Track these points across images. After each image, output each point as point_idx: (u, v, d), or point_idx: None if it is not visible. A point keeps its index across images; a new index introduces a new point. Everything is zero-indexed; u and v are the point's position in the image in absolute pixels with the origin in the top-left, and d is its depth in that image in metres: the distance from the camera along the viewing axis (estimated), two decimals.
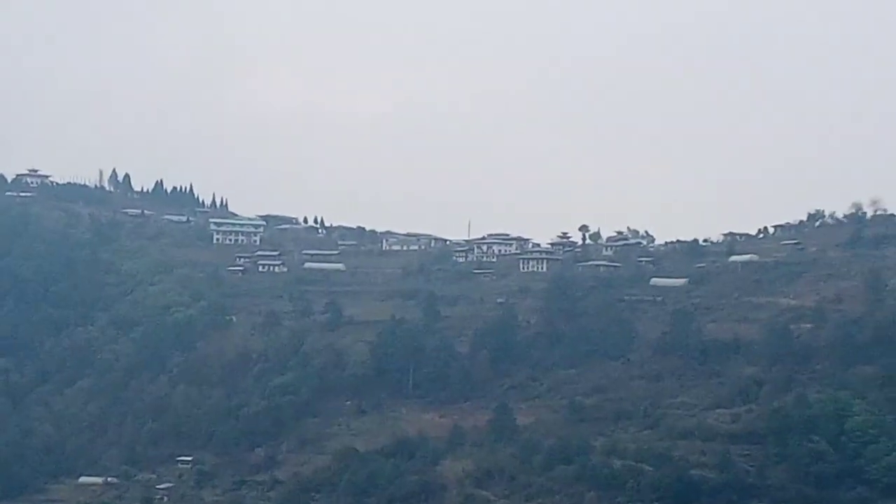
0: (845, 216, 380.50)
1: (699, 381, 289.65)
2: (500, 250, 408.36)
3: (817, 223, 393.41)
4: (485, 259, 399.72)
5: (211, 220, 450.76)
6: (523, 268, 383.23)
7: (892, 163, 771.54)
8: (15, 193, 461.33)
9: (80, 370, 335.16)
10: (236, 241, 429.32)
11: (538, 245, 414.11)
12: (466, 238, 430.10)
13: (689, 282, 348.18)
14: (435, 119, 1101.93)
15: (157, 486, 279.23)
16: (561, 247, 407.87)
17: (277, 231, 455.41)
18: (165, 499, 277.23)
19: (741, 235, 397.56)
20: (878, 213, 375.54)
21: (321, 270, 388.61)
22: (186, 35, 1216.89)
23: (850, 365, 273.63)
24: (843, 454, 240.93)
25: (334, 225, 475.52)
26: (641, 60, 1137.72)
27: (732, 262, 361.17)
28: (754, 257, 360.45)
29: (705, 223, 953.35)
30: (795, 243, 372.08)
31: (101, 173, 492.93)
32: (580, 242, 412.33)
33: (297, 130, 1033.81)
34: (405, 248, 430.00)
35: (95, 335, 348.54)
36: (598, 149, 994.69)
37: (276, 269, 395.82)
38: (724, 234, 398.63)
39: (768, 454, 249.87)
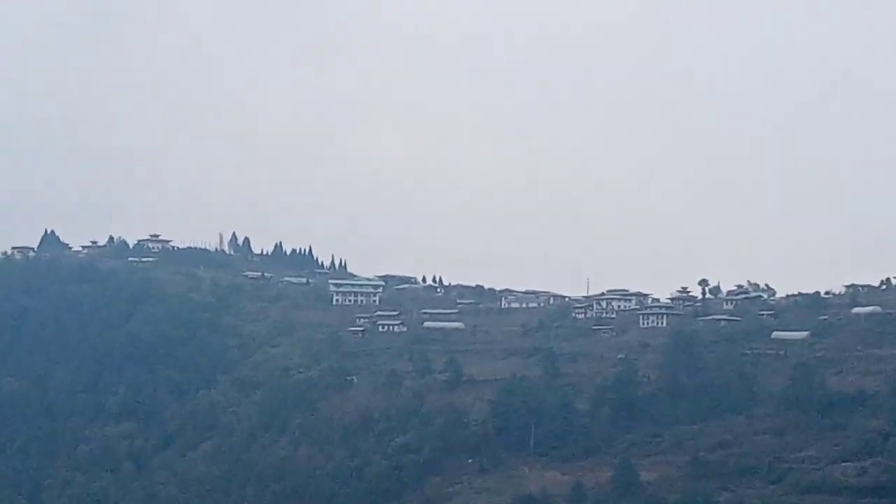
0: None
1: (823, 434, 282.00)
2: (619, 306, 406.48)
3: None
4: (604, 315, 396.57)
5: (330, 280, 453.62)
6: (643, 323, 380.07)
7: None
8: (137, 259, 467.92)
9: (202, 433, 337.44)
10: (355, 301, 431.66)
11: (658, 300, 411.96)
12: (586, 294, 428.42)
13: (811, 335, 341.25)
14: (549, 174, 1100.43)
15: None
16: (681, 301, 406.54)
17: (396, 291, 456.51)
18: None
19: (864, 287, 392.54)
20: None
21: (440, 329, 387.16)
22: (298, 96, 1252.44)
23: None
24: None
25: (453, 284, 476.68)
26: (755, 111, 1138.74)
27: (855, 314, 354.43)
28: (877, 309, 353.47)
29: (827, 276, 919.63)
30: None
31: (220, 237, 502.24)
32: (700, 297, 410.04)
33: (413, 188, 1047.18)
34: (524, 305, 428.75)
35: (217, 398, 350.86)
36: (718, 201, 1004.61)
37: (396, 328, 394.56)
38: (847, 286, 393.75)
39: None
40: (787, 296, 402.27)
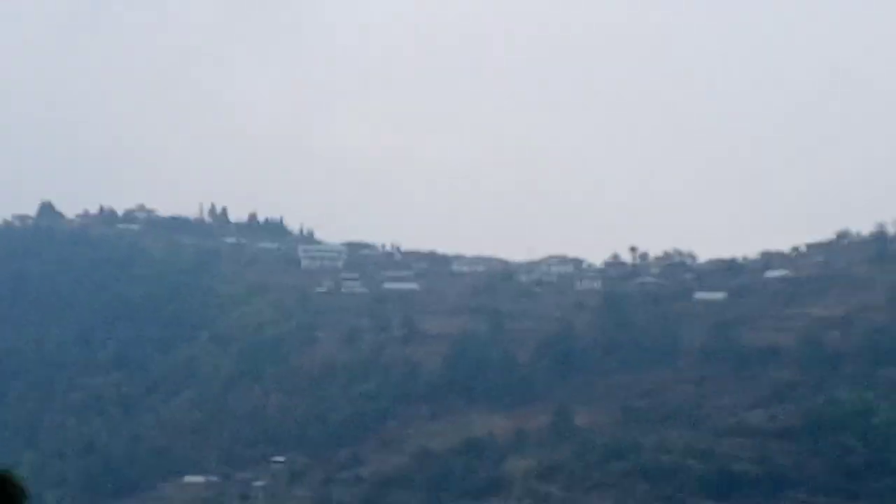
0: (870, 234, 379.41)
1: (739, 384, 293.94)
2: (558, 270, 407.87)
3: (845, 241, 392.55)
4: (545, 279, 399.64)
5: (299, 246, 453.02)
6: (579, 286, 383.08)
7: None
8: (125, 226, 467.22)
9: (184, 382, 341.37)
10: (321, 265, 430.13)
11: (592, 265, 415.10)
12: (528, 260, 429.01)
13: (728, 296, 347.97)
14: (499, 157, 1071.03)
15: (254, 484, 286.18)
16: (613, 266, 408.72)
17: (358, 256, 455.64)
18: (261, 495, 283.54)
19: (776, 253, 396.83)
20: None
21: (397, 290, 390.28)
22: (278, 78, 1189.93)
23: (875, 368, 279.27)
24: (870, 448, 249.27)
25: (409, 250, 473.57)
26: (676, 78, 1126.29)
27: (768, 277, 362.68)
28: (788, 273, 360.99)
29: (743, 242, 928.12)
30: (825, 260, 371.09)
31: (201, 207, 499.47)
32: (630, 262, 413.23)
33: (376, 165, 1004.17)
34: (473, 269, 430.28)
35: (197, 351, 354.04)
36: (647, 173, 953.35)
37: (358, 289, 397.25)
38: (761, 253, 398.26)
39: (803, 449, 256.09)
40: (708, 261, 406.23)
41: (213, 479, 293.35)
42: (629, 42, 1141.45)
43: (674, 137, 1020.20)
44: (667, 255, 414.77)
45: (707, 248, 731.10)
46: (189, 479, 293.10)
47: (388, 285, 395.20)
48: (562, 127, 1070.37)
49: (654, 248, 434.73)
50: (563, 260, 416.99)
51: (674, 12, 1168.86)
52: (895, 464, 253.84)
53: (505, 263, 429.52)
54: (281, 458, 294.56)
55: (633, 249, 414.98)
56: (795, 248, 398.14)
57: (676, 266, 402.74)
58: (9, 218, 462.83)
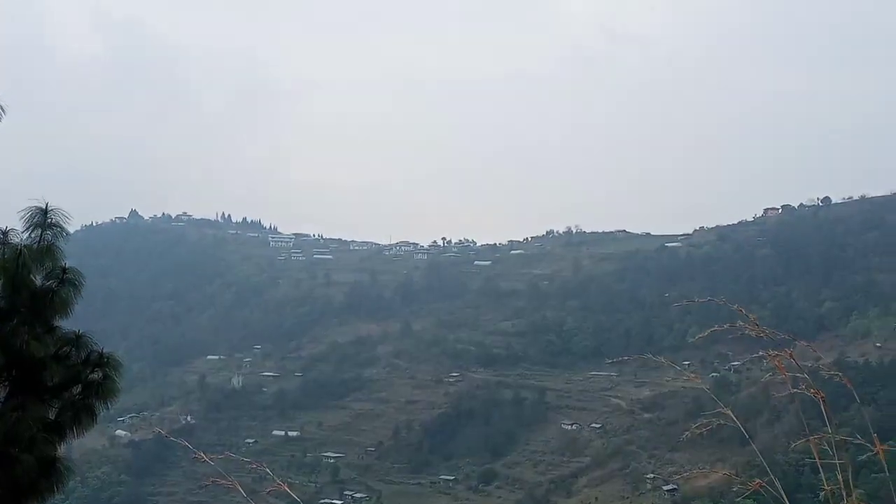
0: (565, 231, 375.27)
1: (497, 308, 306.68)
2: (404, 249, 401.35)
3: (552, 234, 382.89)
4: (397, 255, 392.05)
5: (269, 236, 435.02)
6: (417, 257, 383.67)
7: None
8: (175, 224, 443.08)
9: (208, 305, 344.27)
10: (280, 245, 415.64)
11: (422, 246, 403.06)
12: (389, 243, 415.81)
13: (492, 263, 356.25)
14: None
15: (244, 360, 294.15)
16: (435, 247, 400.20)
17: (301, 241, 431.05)
18: (248, 366, 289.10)
19: (517, 241, 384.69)
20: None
21: (322, 259, 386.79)
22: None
23: (566, 300, 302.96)
24: (564, 338, 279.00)
25: (329, 237, 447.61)
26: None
27: (513, 253, 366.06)
28: (523, 251, 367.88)
29: (507, 232, 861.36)
30: (541, 245, 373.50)
31: (217, 212, 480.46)
32: (443, 244, 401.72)
33: (316, 188, 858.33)
34: (361, 248, 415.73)
35: (215, 290, 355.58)
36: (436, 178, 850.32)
37: (301, 258, 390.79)
38: (509, 240, 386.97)
39: (527, 342, 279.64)
40: (484, 244, 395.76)
41: (223, 357, 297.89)
42: None
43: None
44: (462, 241, 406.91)
45: (485, 236, 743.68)
46: (210, 357, 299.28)
47: (316, 256, 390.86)
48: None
49: (457, 236, 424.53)
50: (407, 243, 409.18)
51: None
52: (578, 348, 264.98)
53: (378, 245, 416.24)
54: (259, 347, 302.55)
55: (444, 238, 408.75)
56: (527, 238, 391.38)
57: (465, 245, 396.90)
58: (124, 216, 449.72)
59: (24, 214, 9.79)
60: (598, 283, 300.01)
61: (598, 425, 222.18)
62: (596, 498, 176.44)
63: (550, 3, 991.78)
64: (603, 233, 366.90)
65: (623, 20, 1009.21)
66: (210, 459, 8.05)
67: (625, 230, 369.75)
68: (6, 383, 9.68)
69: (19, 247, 9.50)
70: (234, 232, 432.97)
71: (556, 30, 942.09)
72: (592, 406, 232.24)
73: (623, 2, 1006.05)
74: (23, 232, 9.70)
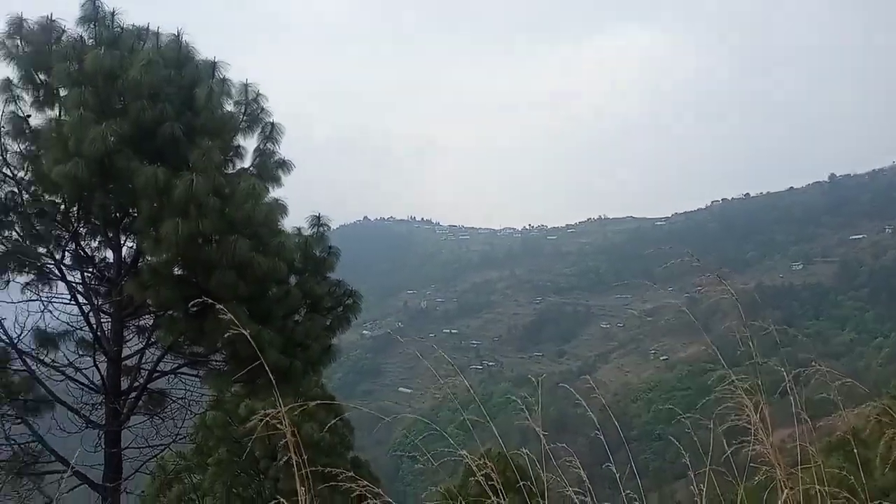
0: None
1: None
2: (508, 231, 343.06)
3: None
4: (504, 235, 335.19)
5: (435, 227, 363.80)
6: (515, 237, 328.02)
7: None
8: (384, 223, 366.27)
9: (420, 264, 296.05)
10: (441, 232, 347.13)
11: (517, 228, 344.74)
12: (500, 227, 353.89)
13: (557, 238, 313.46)
14: None
15: (426, 292, 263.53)
16: (526, 229, 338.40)
17: (452, 228, 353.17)
18: (428, 295, 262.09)
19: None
20: None
21: (465, 239, 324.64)
22: None
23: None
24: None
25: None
26: None
27: (567, 232, 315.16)
28: None
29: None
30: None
31: (407, 215, 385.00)
32: (530, 227, 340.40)
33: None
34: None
35: (409, 258, 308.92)
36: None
37: (451, 238, 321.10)
38: (566, 224, 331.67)
39: None
40: (557, 227, 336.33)
41: (416, 291, 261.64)
42: None
43: None
44: (541, 225, 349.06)
45: (553, 220, 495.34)
46: (408, 291, 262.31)
47: (461, 237, 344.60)
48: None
49: (538, 221, 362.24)
50: (510, 228, 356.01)
51: None
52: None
53: (492, 229, 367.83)
54: (433, 285, 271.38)
55: (530, 224, 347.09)
56: (578, 221, 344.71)
57: (542, 227, 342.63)
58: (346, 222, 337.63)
59: (309, 218, 9.71)
60: (616, 247, 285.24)
61: (621, 325, 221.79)
62: (622, 364, 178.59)
63: None
64: (622, 218, 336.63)
65: None
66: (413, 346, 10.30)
67: (632, 216, 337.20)
68: (305, 308, 9.41)
69: (306, 235, 9.41)
70: (416, 226, 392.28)
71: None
72: (617, 314, 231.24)
73: None
74: (308, 227, 9.62)
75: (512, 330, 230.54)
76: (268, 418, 2.60)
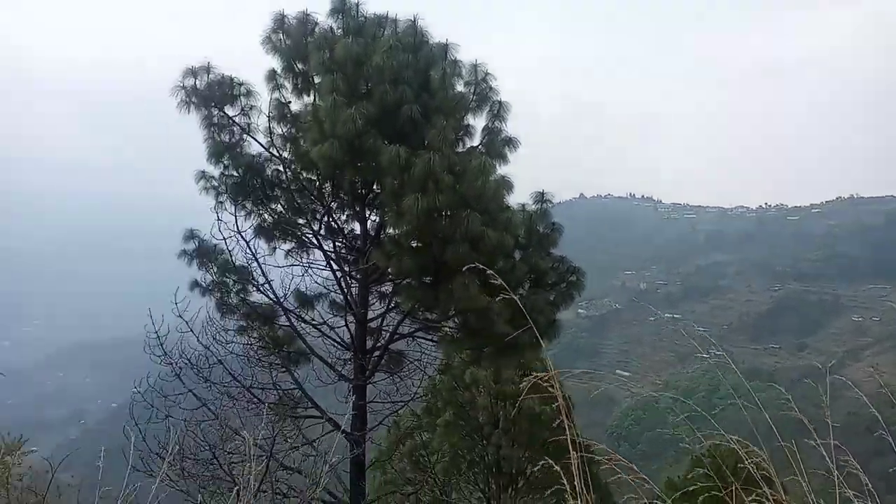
0: None
1: None
2: (740, 211, 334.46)
3: None
4: (735, 216, 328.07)
5: (657, 205, 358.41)
6: (749, 217, 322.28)
7: None
8: (603, 200, 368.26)
9: (640, 242, 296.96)
10: (663, 210, 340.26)
11: (752, 208, 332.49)
12: (731, 206, 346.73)
13: (799, 219, 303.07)
14: None
15: (646, 273, 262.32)
16: (761, 209, 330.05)
17: (676, 207, 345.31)
18: (648, 276, 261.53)
19: None
20: None
21: (690, 218, 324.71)
22: None
23: None
24: None
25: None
26: None
27: (812, 213, 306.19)
28: None
29: None
30: None
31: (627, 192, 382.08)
32: (766, 206, 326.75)
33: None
34: None
35: (628, 236, 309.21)
36: None
37: (675, 217, 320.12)
38: (810, 203, 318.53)
39: None
40: (798, 206, 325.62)
41: (634, 272, 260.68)
42: None
43: None
44: (780, 203, 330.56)
45: (791, 200, 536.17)
46: (626, 272, 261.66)
47: (685, 216, 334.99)
48: None
49: (776, 200, 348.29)
50: (742, 206, 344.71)
51: None
52: None
53: (723, 208, 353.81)
54: (654, 266, 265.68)
55: (766, 203, 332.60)
56: (823, 201, 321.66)
57: (782, 206, 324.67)
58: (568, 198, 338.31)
59: (533, 194, 10.15)
60: (873, 230, 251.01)
61: (877, 318, 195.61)
62: (877, 363, 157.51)
63: None
64: (879, 197, 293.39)
65: None
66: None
67: (892, 194, 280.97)
68: (529, 282, 9.52)
69: (531, 211, 9.58)
70: (636, 203, 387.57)
71: None
72: (872, 306, 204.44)
73: None
74: (532, 203, 9.96)
75: (744, 318, 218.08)
76: (537, 380, 2.71)
